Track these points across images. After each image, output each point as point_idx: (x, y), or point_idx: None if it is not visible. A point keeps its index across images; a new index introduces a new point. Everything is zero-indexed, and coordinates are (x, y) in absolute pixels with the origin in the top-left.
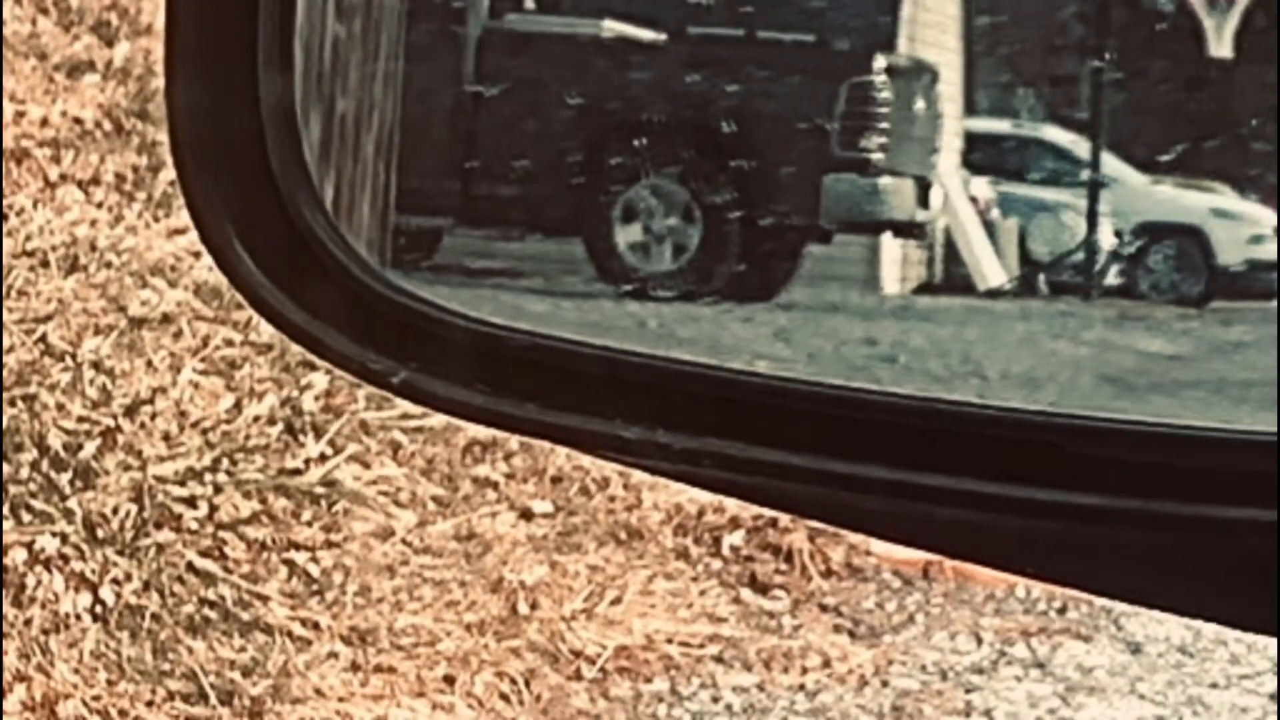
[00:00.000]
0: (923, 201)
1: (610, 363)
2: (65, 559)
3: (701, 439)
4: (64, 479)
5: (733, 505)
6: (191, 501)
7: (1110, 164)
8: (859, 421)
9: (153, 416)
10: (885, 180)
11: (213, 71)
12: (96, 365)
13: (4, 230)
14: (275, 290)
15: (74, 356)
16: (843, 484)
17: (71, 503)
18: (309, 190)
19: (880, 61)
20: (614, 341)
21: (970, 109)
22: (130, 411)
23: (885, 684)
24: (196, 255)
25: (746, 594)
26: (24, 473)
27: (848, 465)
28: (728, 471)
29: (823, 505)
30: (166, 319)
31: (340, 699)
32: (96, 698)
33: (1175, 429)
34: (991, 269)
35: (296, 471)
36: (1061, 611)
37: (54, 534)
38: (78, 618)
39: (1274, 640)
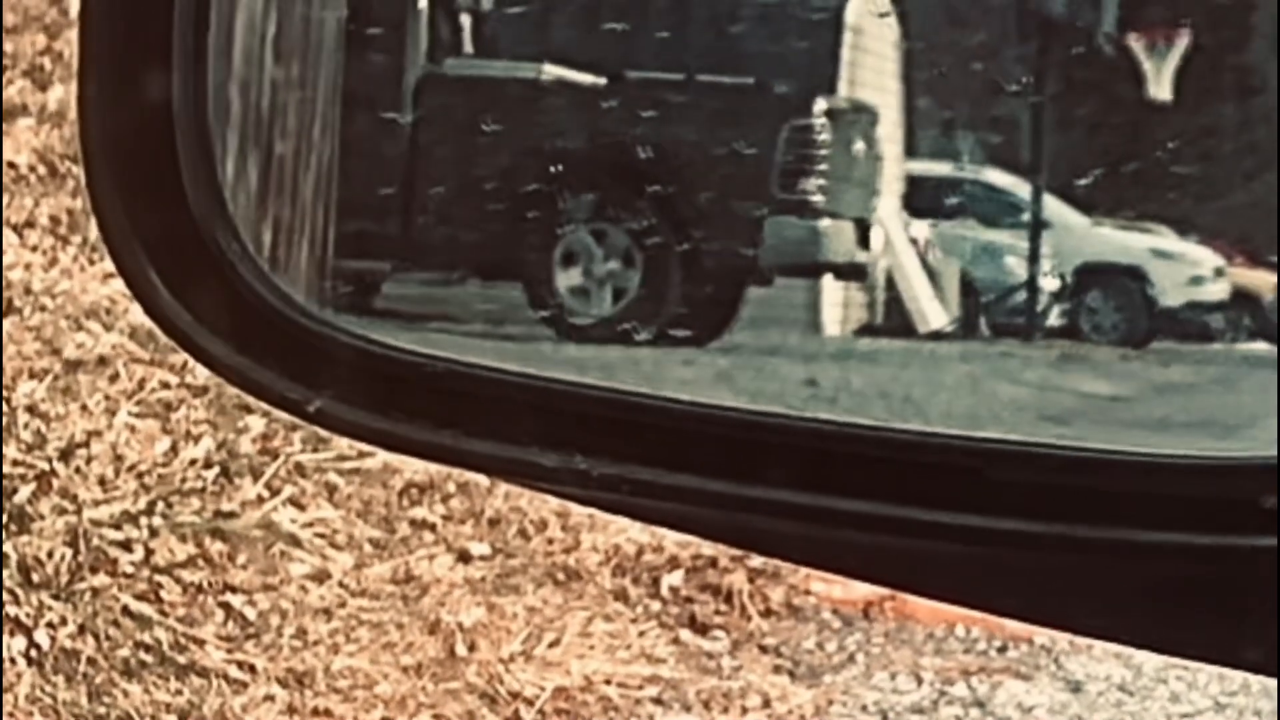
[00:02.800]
0: (863, 243)
1: (528, 389)
2: None
3: (619, 465)
4: None
5: (671, 545)
6: (127, 545)
7: (1051, 205)
8: (774, 446)
9: (88, 460)
10: (826, 222)
11: (125, 110)
12: (31, 409)
13: None
14: (184, 313)
15: (8, 400)
16: (757, 508)
17: (6, 547)
18: (217, 205)
19: (820, 104)
20: (532, 369)
21: (911, 151)
22: (65, 455)
23: None
24: (131, 298)
25: (686, 635)
26: None
27: (764, 490)
28: (645, 497)
29: (738, 530)
30: (102, 362)
31: None
32: None
33: (1101, 454)
34: (932, 311)
35: (233, 514)
36: (1002, 650)
37: None
38: (13, 662)
39: (1215, 677)
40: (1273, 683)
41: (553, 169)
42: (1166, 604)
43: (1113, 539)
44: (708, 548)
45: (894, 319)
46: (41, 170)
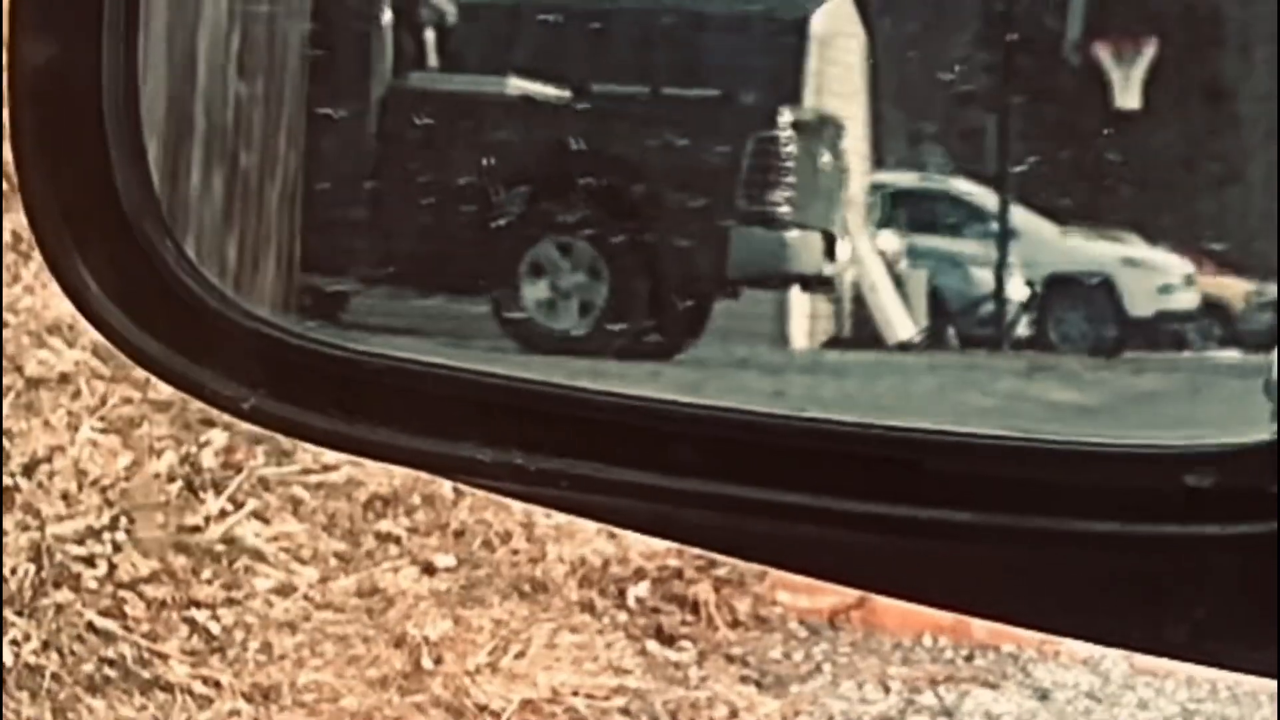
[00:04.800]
0: (830, 255)
1: (464, 384)
2: None
3: (557, 459)
4: None
5: (637, 557)
6: (90, 560)
7: (1019, 215)
8: (709, 439)
9: (51, 476)
10: (792, 234)
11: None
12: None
13: None
14: (114, 308)
15: None
16: (692, 501)
17: None
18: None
19: (786, 115)
20: (468, 364)
21: (877, 162)
22: (28, 471)
23: None
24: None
25: (652, 645)
26: None
27: (699, 483)
28: (584, 492)
29: (670, 523)
30: (64, 378)
31: None
32: None
33: (1040, 444)
34: (900, 322)
35: (196, 529)
36: (969, 659)
37: None
38: None
39: (1183, 683)
40: (1241, 689)
41: (519, 184)
42: (1107, 594)
43: (1051, 529)
44: (674, 559)
45: (862, 331)
46: (3, 186)
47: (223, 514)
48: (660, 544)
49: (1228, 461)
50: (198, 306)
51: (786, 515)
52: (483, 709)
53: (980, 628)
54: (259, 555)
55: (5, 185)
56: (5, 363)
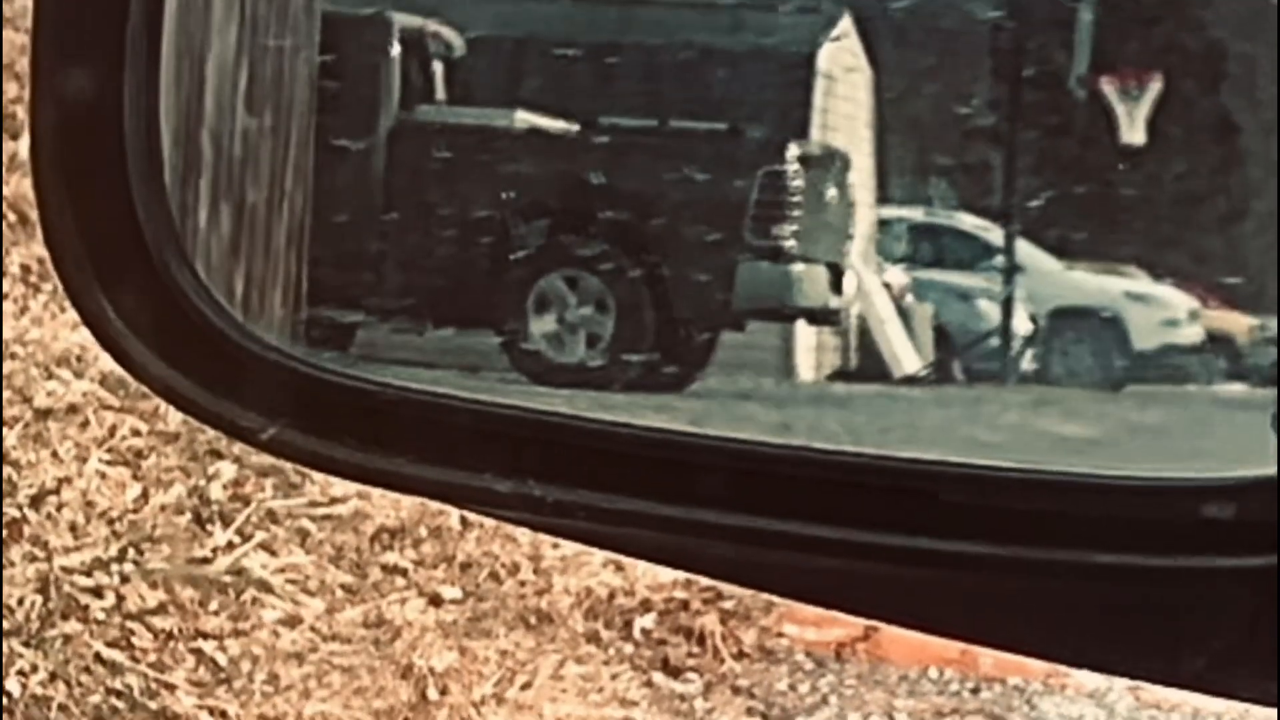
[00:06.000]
0: (836, 288)
1: (481, 416)
2: None
3: (573, 490)
4: None
5: (644, 588)
6: (98, 592)
7: (1024, 249)
8: (727, 471)
9: (59, 507)
10: (799, 267)
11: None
12: (2, 457)
13: None
14: (134, 338)
15: None
16: (710, 533)
17: None
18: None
19: (793, 150)
20: (485, 395)
21: (883, 196)
22: (36, 502)
23: None
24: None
25: (658, 677)
26: None
27: (716, 514)
28: (600, 523)
29: (689, 554)
30: (73, 409)
31: None
32: None
33: (1054, 476)
34: (906, 355)
35: (204, 560)
36: (975, 692)
37: None
38: None
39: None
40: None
41: (521, 214)
42: (1119, 624)
43: (1063, 560)
44: (680, 590)
45: (868, 364)
46: (12, 218)
47: (230, 545)
48: (666, 576)
49: (1244, 494)
50: (218, 337)
51: (802, 546)
52: None
53: (987, 661)
54: (266, 587)
55: (14, 217)
56: (14, 394)
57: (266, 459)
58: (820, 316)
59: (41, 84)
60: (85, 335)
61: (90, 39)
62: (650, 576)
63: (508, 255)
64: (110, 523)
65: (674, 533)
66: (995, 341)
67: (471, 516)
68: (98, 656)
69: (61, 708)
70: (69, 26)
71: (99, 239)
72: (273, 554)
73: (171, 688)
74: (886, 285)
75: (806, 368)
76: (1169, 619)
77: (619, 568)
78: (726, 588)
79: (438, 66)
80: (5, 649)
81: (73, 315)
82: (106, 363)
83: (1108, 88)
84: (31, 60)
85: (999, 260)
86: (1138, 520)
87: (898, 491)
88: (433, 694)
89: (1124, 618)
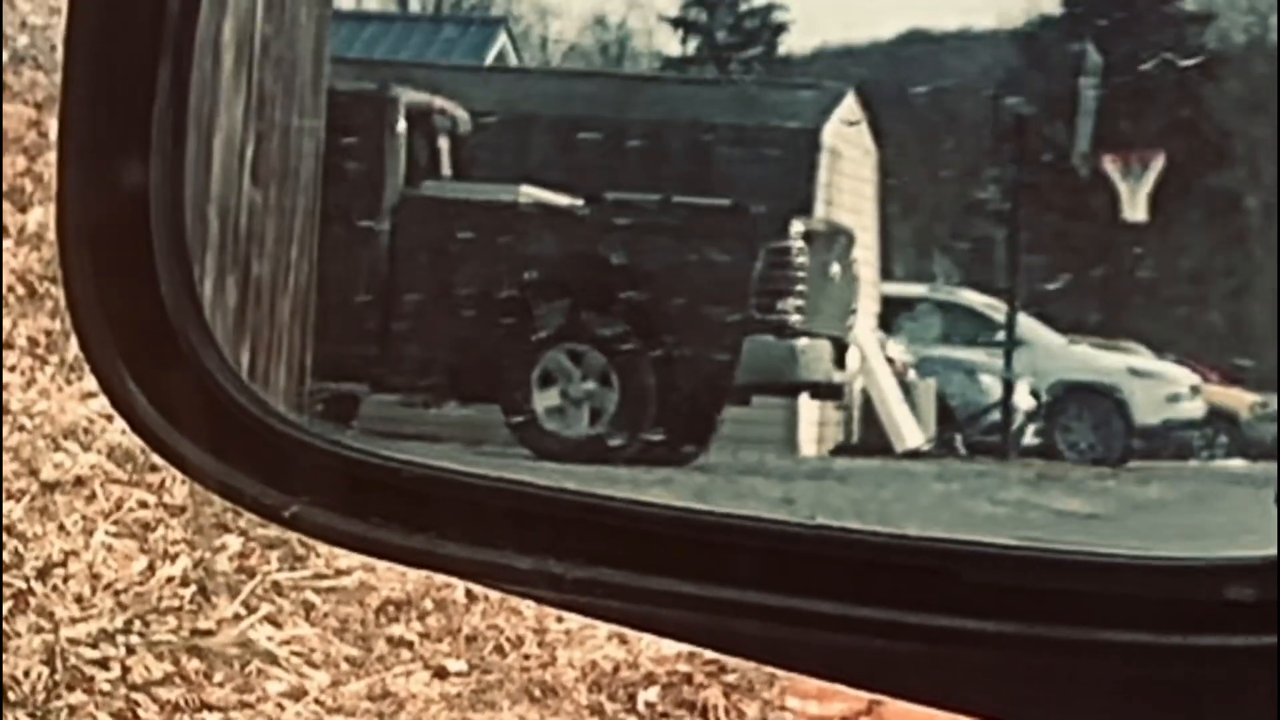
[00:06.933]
0: (840, 363)
1: (502, 494)
2: None
3: (592, 568)
4: None
5: (647, 661)
6: (104, 663)
7: (1027, 325)
8: (745, 549)
9: (65, 579)
10: (803, 342)
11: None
12: (8, 529)
13: None
14: (161, 420)
15: None
16: (729, 611)
17: None
18: (194, 313)
19: (797, 225)
20: (504, 472)
21: (887, 272)
22: (42, 574)
23: None
24: (109, 418)
25: None
26: None
27: (736, 592)
28: (619, 601)
29: (710, 632)
30: (80, 482)
31: None
32: None
33: (1071, 555)
34: (909, 430)
35: (209, 632)
36: None
37: None
38: None
39: None
40: None
41: (527, 286)
42: (1139, 703)
43: (1083, 639)
44: (684, 664)
45: (870, 438)
46: (20, 291)
47: (236, 617)
48: (670, 649)
49: (1264, 574)
50: (239, 415)
51: (826, 625)
52: None
53: None
54: (272, 659)
55: (22, 290)
56: (21, 467)
57: (272, 532)
58: (824, 391)
59: (65, 166)
60: (92, 408)
61: (118, 120)
62: (654, 650)
63: (512, 329)
64: (116, 595)
65: (696, 610)
66: (997, 416)
67: (477, 589)
68: None
69: None
70: (97, 106)
71: (122, 314)
72: (278, 626)
73: None
74: (890, 360)
75: (809, 441)
76: (1190, 698)
77: (623, 641)
78: (730, 660)
79: (444, 142)
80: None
81: (80, 388)
82: (113, 435)
83: (1111, 166)
84: (59, 139)
85: (1001, 336)
86: (1159, 600)
87: (920, 570)
88: None
89: (1145, 697)
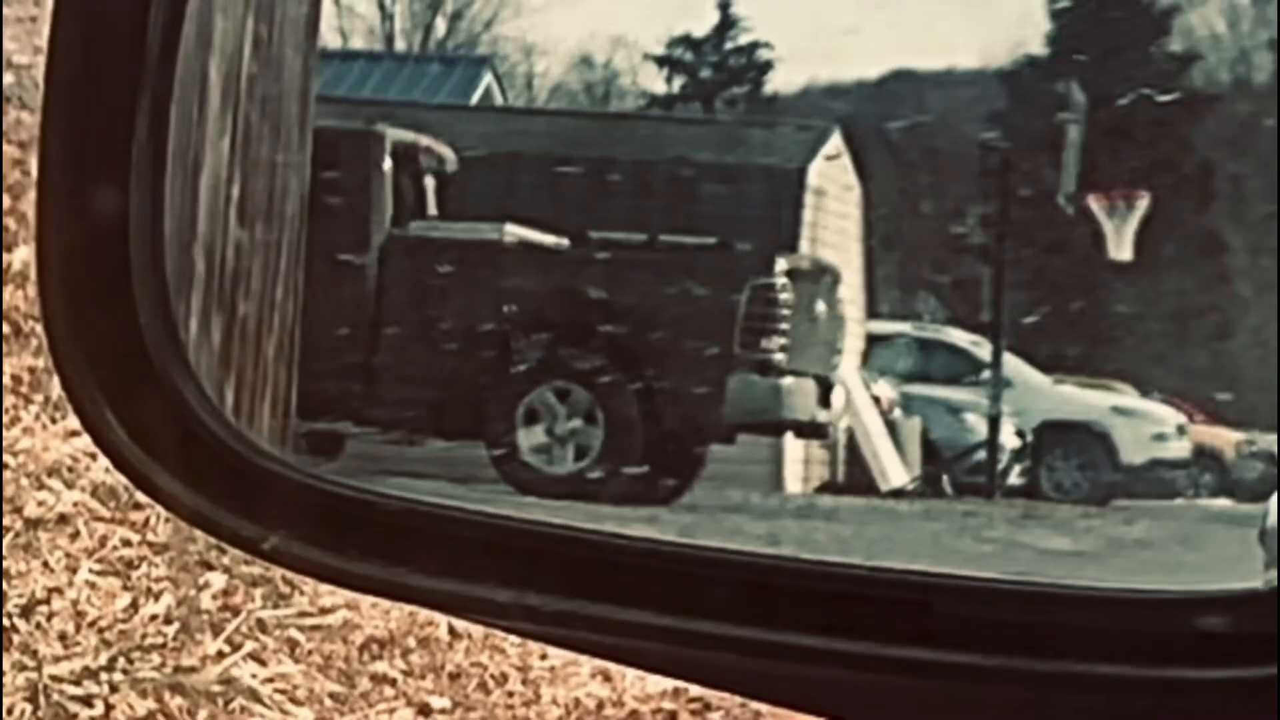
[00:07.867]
0: (825, 402)
1: (480, 527)
2: None
3: (570, 600)
4: None
5: (631, 700)
6: (88, 700)
7: (1012, 364)
8: (722, 581)
9: (49, 617)
10: (787, 381)
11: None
12: None
13: None
14: (140, 452)
15: None
16: (706, 643)
17: None
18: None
19: (782, 263)
20: (483, 506)
21: (873, 310)
22: (26, 611)
23: None
24: (93, 456)
25: None
26: None
27: (713, 624)
28: (598, 634)
29: (685, 664)
30: (63, 519)
31: None
32: None
33: (1047, 588)
34: (894, 469)
35: (193, 670)
36: None
37: None
38: None
39: None
40: None
41: (506, 320)
42: None
43: (1059, 672)
44: (668, 701)
45: (856, 477)
46: (5, 329)
47: (220, 655)
48: (655, 686)
49: (1239, 605)
50: (220, 449)
51: (802, 657)
52: None
53: None
54: (255, 696)
55: (7, 328)
56: (4, 504)
57: (256, 569)
58: (809, 430)
59: (45, 200)
60: (76, 446)
61: (96, 156)
62: (638, 687)
63: (497, 367)
64: (100, 632)
65: (673, 643)
66: (983, 455)
67: (460, 626)
68: None
69: None
70: (76, 142)
71: (101, 350)
72: (262, 663)
73: None
74: (875, 399)
75: (794, 480)
76: None
77: (606, 678)
78: (715, 697)
79: (430, 181)
80: None
81: (63, 426)
82: (97, 473)
83: (1096, 205)
84: (39, 176)
85: (986, 375)
86: (1133, 632)
87: (896, 603)
88: None
89: None
